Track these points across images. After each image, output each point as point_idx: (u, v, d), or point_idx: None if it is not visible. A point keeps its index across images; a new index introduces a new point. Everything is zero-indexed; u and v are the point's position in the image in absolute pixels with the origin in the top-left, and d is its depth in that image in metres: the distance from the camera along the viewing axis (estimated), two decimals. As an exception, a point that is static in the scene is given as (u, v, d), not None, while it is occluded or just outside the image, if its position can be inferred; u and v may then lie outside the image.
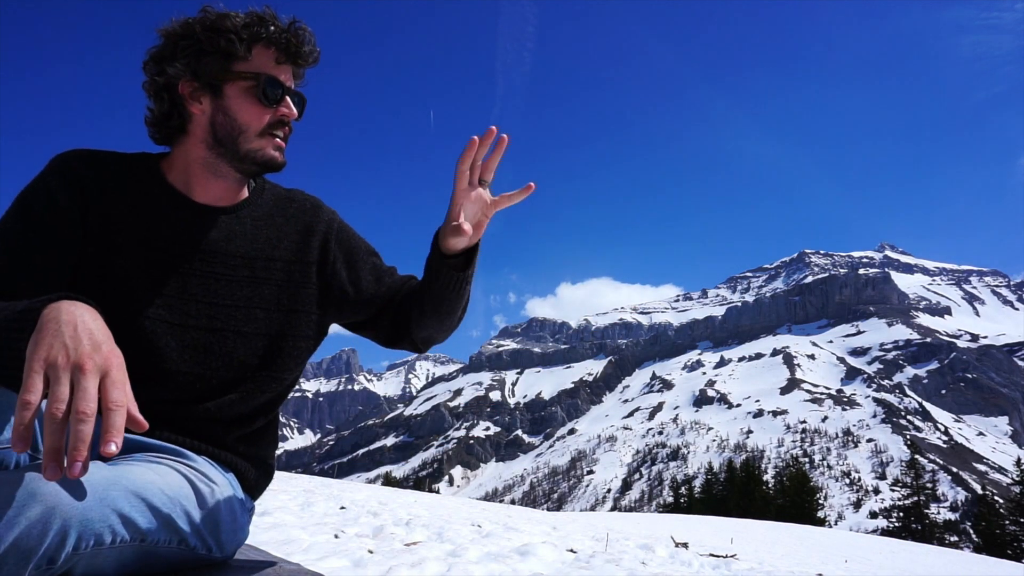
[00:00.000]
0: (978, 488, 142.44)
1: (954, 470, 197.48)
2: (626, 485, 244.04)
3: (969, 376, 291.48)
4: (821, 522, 39.25)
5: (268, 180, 1.31)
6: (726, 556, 6.93)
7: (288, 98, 1.16)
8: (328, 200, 1.28)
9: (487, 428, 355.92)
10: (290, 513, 3.77)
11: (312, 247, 1.25)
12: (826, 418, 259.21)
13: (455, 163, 1.11)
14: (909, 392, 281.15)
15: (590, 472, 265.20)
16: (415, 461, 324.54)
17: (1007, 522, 34.54)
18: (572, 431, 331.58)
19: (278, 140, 1.15)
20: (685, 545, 7.71)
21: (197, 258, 1.13)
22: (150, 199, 1.13)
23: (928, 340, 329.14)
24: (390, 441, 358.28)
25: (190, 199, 1.16)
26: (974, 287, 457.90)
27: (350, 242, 1.32)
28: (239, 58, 1.11)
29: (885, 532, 40.19)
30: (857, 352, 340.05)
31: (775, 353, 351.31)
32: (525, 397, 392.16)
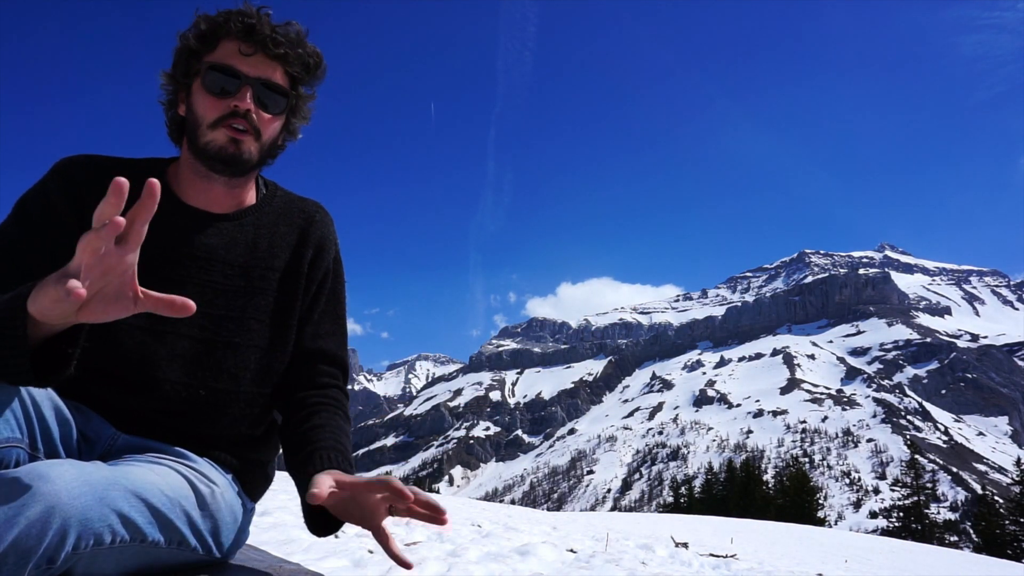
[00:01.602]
0: (978, 488, 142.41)
1: (954, 470, 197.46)
2: (626, 485, 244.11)
3: (969, 376, 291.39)
4: (821, 522, 39.23)
5: (280, 187, 1.28)
6: (726, 556, 6.93)
7: (248, 88, 1.09)
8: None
9: (487, 428, 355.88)
10: (290, 513, 3.75)
11: (305, 257, 1.23)
12: (826, 418, 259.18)
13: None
14: (909, 392, 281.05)
15: (590, 472, 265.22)
16: (415, 461, 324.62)
17: (1007, 522, 34.52)
18: (572, 431, 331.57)
19: (234, 131, 1.08)
20: (685, 545, 7.71)
21: (194, 266, 1.11)
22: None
23: (928, 340, 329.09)
24: (390, 441, 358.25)
25: (190, 205, 1.14)
26: (974, 287, 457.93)
27: (339, 287, 1.30)
28: (203, 53, 1.09)
29: (885, 532, 40.16)
30: (857, 352, 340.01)
31: (775, 353, 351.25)
32: (525, 397, 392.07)
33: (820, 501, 41.39)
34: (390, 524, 4.43)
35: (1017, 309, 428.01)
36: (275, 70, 1.12)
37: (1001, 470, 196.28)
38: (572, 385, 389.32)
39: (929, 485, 40.54)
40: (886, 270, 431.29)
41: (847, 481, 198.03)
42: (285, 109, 1.15)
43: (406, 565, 0.90)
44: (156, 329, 1.08)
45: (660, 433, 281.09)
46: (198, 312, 1.05)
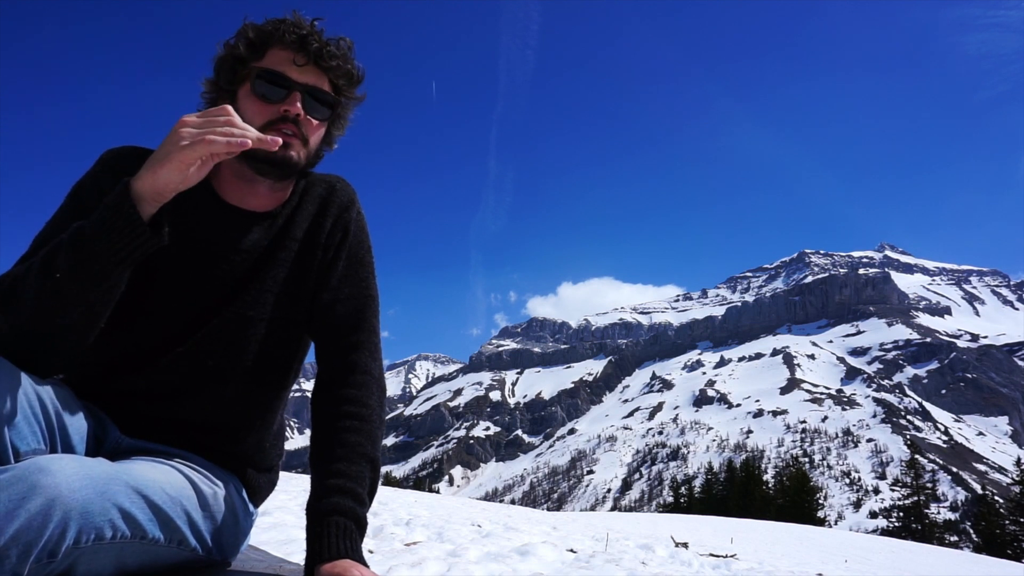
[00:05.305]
0: (978, 488, 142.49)
1: (954, 470, 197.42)
2: (626, 485, 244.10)
3: (969, 376, 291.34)
4: (821, 522, 39.22)
5: (313, 174, 1.28)
6: (726, 556, 6.92)
7: (298, 95, 1.13)
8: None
9: (487, 428, 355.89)
10: (290, 513, 3.70)
11: (324, 225, 1.23)
12: (826, 418, 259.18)
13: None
14: (909, 392, 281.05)
15: (590, 472, 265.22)
16: (415, 461, 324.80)
17: (1007, 522, 34.50)
18: (572, 431, 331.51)
19: (283, 135, 1.12)
20: (685, 545, 7.71)
21: (225, 259, 1.14)
22: (192, 201, 1.13)
23: (928, 340, 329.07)
24: (390, 441, 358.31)
25: (230, 204, 1.17)
26: (974, 287, 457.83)
27: (362, 250, 1.28)
28: (251, 60, 1.13)
29: (885, 532, 40.20)
30: (857, 352, 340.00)
31: (775, 353, 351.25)
32: (525, 397, 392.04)
33: (820, 501, 41.35)
34: (390, 524, 4.62)
35: (1017, 309, 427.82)
36: (323, 80, 1.16)
37: (1001, 470, 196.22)
38: (572, 385, 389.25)
39: (929, 485, 40.49)
40: (886, 270, 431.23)
41: (847, 481, 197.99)
42: (330, 117, 1.20)
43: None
44: (180, 309, 1.11)
45: (660, 433, 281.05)
46: (217, 291, 1.13)
